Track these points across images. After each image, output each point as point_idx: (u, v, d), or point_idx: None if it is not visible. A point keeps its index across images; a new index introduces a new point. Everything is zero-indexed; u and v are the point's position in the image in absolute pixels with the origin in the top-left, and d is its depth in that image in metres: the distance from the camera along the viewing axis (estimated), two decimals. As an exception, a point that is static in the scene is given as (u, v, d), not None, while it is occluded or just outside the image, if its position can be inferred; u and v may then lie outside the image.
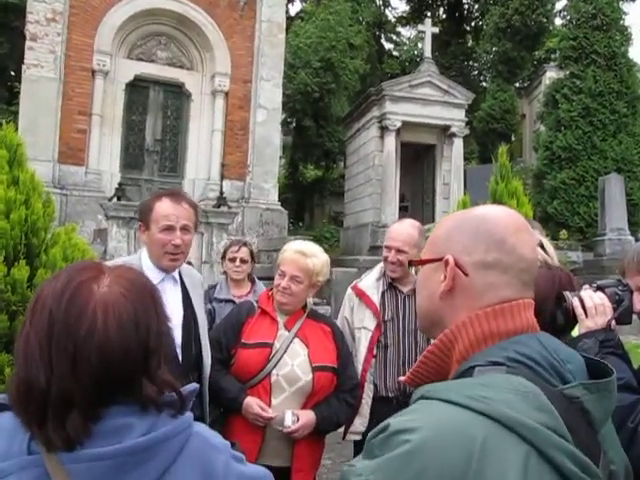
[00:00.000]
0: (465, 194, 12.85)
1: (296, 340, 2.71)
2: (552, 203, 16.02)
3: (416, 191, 16.67)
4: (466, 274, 1.03)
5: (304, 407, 2.66)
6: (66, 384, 0.97)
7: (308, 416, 2.61)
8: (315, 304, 7.93)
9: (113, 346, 0.98)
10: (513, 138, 25.86)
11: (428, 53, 15.17)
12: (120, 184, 10.07)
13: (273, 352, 2.65)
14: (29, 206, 3.16)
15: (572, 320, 1.77)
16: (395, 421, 0.88)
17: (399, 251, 3.07)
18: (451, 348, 1.02)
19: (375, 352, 3.09)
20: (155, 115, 12.38)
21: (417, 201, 16.60)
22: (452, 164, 15.06)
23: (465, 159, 15.69)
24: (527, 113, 25.27)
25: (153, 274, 2.40)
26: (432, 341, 1.08)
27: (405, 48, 31.75)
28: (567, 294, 1.78)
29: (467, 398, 0.86)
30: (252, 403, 2.58)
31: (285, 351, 2.67)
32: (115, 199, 9.13)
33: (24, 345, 1.01)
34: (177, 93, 12.57)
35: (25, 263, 3.00)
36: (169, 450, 1.01)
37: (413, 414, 0.90)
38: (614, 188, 13.43)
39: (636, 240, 14.62)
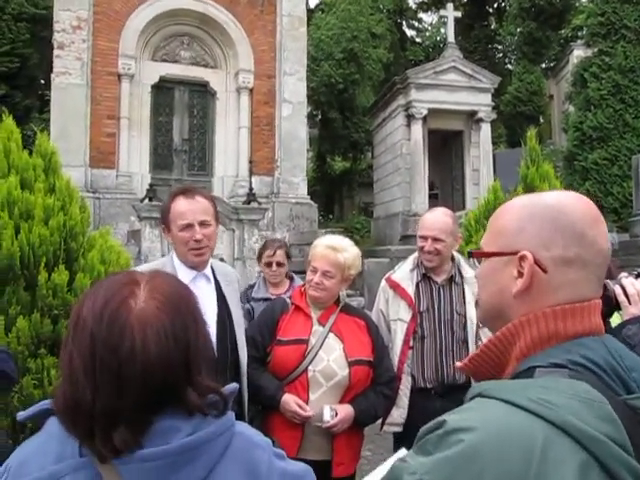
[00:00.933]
0: (495, 179, 12.70)
1: (331, 335, 2.73)
2: (584, 185, 15.70)
3: (445, 178, 16.53)
4: (545, 271, 0.97)
5: (342, 401, 2.68)
6: (112, 402, 0.99)
7: (346, 410, 2.63)
8: (348, 296, 7.95)
9: (154, 362, 1.00)
10: (541, 120, 25.47)
11: (451, 38, 14.99)
12: (151, 185, 10.19)
13: (309, 348, 2.67)
14: (66, 212, 3.25)
15: (615, 308, 1.78)
16: (451, 418, 0.86)
17: (435, 240, 3.05)
18: (512, 343, 0.99)
19: (412, 344, 3.08)
20: (181, 115, 12.50)
21: (447, 188, 16.46)
22: (480, 149, 14.89)
23: (493, 143, 15.48)
24: (555, 94, 24.83)
25: (185, 273, 2.47)
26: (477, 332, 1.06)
27: (427, 34, 31.47)
28: (608, 282, 1.78)
29: (528, 400, 0.84)
30: (290, 401, 2.60)
31: (320, 347, 2.68)
32: (147, 200, 9.25)
33: (68, 363, 1.04)
34: (202, 92, 12.65)
35: (64, 268, 3.09)
36: (214, 449, 1.04)
37: (470, 412, 0.88)
38: (648, 166, 13.13)
39: (673, 218, 14.30)
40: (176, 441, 1.00)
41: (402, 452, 2.17)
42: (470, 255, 1.30)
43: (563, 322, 0.95)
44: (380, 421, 3.11)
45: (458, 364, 1.13)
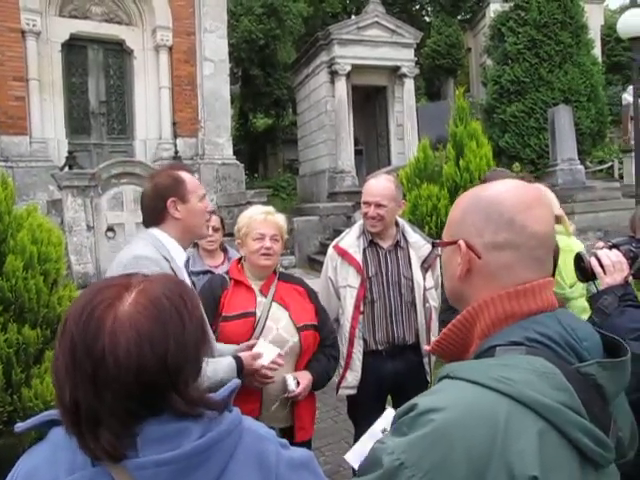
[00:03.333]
0: (419, 137, 12.86)
1: (274, 304, 2.75)
2: (503, 137, 16.16)
3: (370, 134, 16.62)
4: (479, 256, 1.07)
5: (297, 368, 2.73)
6: (90, 403, 0.99)
7: (307, 377, 2.70)
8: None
9: (126, 365, 0.99)
10: (459, 72, 25.89)
11: (373, -8, 14.88)
12: (70, 152, 9.71)
13: (256, 320, 2.68)
14: (-17, 189, 3.04)
15: (591, 278, 1.88)
16: (422, 400, 0.93)
17: (378, 205, 3.14)
18: (473, 324, 1.06)
19: (362, 308, 3.16)
20: (97, 76, 11.85)
21: (372, 144, 16.58)
22: (404, 105, 15.03)
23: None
24: (472, 47, 25.20)
25: (179, 254, 2.37)
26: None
27: (345, -15, 31.03)
28: (584, 254, 1.90)
29: (490, 379, 0.91)
30: (249, 359, 2.49)
31: (267, 317, 2.70)
32: (67, 168, 8.82)
33: (55, 366, 1.05)
34: (118, 51, 12.02)
35: (-8, 250, 2.91)
36: (226, 448, 1.06)
37: (439, 394, 0.95)
38: (563, 119, 13.60)
39: (586, 169, 15.00)
40: (188, 443, 1.01)
41: (390, 412, 2.25)
42: (433, 246, 1.44)
43: (517, 302, 1.03)
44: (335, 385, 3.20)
45: (426, 347, 1.23)
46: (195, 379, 1.09)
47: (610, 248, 1.87)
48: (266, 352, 2.51)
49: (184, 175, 2.41)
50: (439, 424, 0.87)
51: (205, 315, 2.64)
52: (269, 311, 2.72)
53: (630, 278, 1.84)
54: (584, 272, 1.89)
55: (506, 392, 0.89)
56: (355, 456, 2.16)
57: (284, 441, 1.20)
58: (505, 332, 1.02)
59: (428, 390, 0.99)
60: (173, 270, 2.20)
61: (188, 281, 2.38)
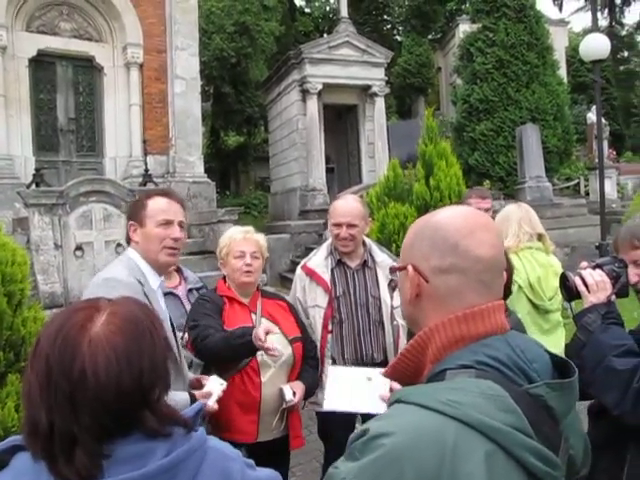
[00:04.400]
0: (390, 155, 12.97)
1: (264, 320, 2.87)
2: (473, 155, 16.43)
3: (341, 152, 16.72)
4: (427, 280, 1.09)
5: (290, 379, 2.87)
6: (67, 423, 1.01)
7: (300, 386, 2.84)
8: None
9: (105, 386, 1.02)
10: (429, 91, 26.28)
11: (344, 13, 15.05)
12: (37, 169, 9.56)
13: None
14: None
15: (575, 297, 1.94)
16: (373, 425, 0.94)
17: (350, 225, 3.16)
18: (425, 349, 1.08)
19: (330, 328, 3.18)
20: (66, 92, 11.70)
21: (343, 162, 16.67)
22: (375, 123, 15.17)
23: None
24: (442, 66, 25.64)
25: (153, 277, 2.37)
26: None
27: (317, 4, 31.36)
28: (569, 274, 1.96)
29: (438, 402, 0.93)
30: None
31: None
32: (34, 185, 8.67)
33: (27, 388, 1.06)
34: (87, 67, 11.90)
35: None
36: (191, 466, 1.09)
37: (389, 419, 0.96)
38: (530, 137, 13.88)
39: (553, 186, 15.28)
40: (153, 463, 1.04)
41: (375, 372, 2.32)
42: (391, 271, 1.47)
43: (466, 326, 1.05)
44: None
45: (381, 371, 1.25)
46: (165, 395, 1.13)
47: (594, 268, 1.93)
48: (214, 389, 2.49)
49: (153, 200, 2.40)
50: (389, 448, 0.88)
51: (214, 318, 2.77)
52: (260, 326, 2.77)
53: (613, 297, 1.90)
54: (569, 291, 1.95)
55: (453, 415, 0.90)
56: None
57: (250, 461, 1.23)
58: (455, 356, 1.04)
59: (380, 415, 1.00)
60: (146, 294, 2.20)
61: (162, 304, 2.39)
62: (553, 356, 1.11)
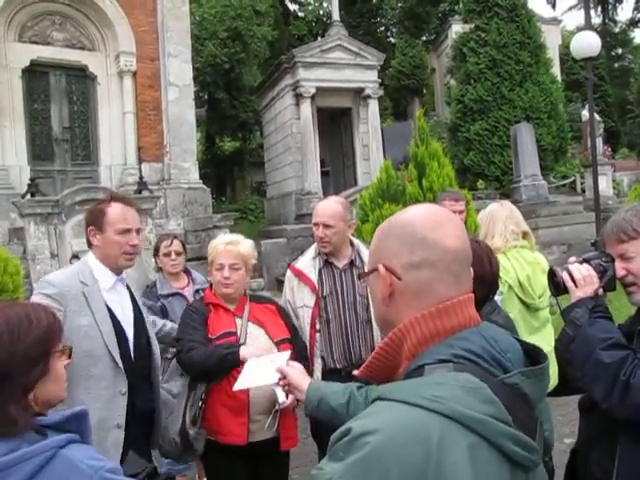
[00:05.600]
0: (385, 157, 12.97)
1: (250, 324, 2.94)
2: (468, 155, 16.46)
3: (336, 155, 16.74)
4: (399, 277, 1.10)
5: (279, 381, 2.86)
6: None
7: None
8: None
9: None
10: (424, 92, 26.33)
11: (336, 16, 15.09)
12: (32, 179, 9.56)
13: (238, 339, 2.86)
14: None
15: (563, 291, 1.96)
16: (356, 424, 0.94)
17: (326, 226, 3.22)
18: (400, 346, 1.09)
19: (319, 327, 3.24)
20: (59, 102, 11.71)
21: (338, 165, 16.69)
22: (369, 125, 15.18)
23: (380, 116, 15.86)
24: (436, 67, 25.69)
25: (107, 277, 2.59)
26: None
27: (310, 8, 31.41)
28: (557, 269, 1.98)
29: (421, 398, 0.93)
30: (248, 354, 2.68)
31: (246, 336, 2.89)
32: (29, 195, 8.68)
33: None
34: (81, 77, 11.90)
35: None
36: (24, 470, 1.10)
37: (372, 416, 0.96)
38: (525, 136, 13.93)
39: (549, 184, 15.30)
40: None
41: (279, 355, 2.36)
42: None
43: (440, 320, 1.07)
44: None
45: (355, 372, 1.24)
46: (20, 397, 1.17)
47: (581, 263, 1.95)
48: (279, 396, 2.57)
49: (112, 207, 2.59)
50: (374, 446, 0.88)
51: (199, 329, 2.86)
52: (247, 330, 2.90)
53: (600, 291, 1.91)
54: (557, 286, 1.97)
55: (437, 410, 0.91)
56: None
57: (112, 477, 1.21)
58: (432, 351, 1.05)
59: (361, 413, 1.00)
60: (84, 293, 2.44)
61: (101, 302, 2.51)
62: (523, 344, 1.15)
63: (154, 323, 3.53)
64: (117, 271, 2.63)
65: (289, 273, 3.40)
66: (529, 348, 1.15)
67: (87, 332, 2.38)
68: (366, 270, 1.22)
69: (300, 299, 3.28)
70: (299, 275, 3.32)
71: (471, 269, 1.16)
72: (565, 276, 1.93)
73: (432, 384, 0.96)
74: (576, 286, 1.90)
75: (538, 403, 1.08)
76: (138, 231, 2.64)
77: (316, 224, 3.26)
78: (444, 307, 1.07)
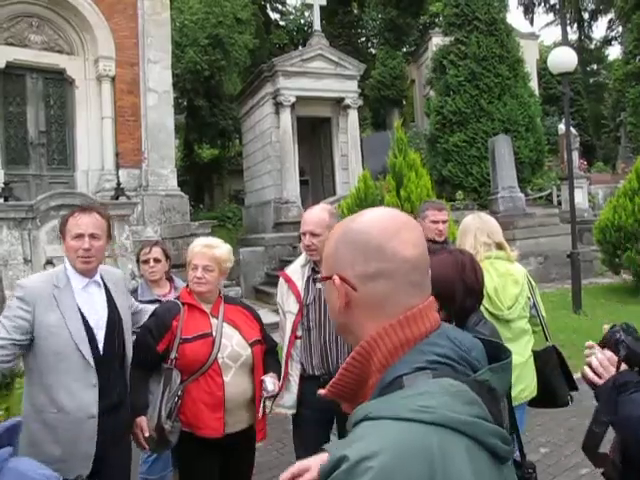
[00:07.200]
0: (364, 167, 13.02)
1: (225, 324, 3.08)
2: (446, 166, 16.60)
3: (315, 164, 16.77)
4: (354, 289, 1.06)
5: (256, 377, 3.08)
6: None
7: (275, 377, 3.09)
8: (225, 286, 7.83)
9: None
10: (404, 103, 26.53)
11: (317, 26, 15.14)
12: (6, 183, 9.41)
13: (214, 340, 3.00)
14: None
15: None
16: (351, 450, 0.88)
17: (312, 235, 3.24)
18: (369, 359, 1.05)
19: (300, 334, 3.31)
20: (36, 105, 11.55)
21: (317, 174, 16.72)
22: (348, 135, 15.25)
23: (359, 126, 15.93)
24: (416, 78, 25.89)
25: (78, 279, 2.80)
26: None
27: (292, 17, 31.55)
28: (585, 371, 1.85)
29: (411, 411, 0.90)
30: (141, 424, 2.93)
31: (221, 336, 3.04)
32: (2, 200, 8.54)
33: None
34: (58, 80, 11.75)
35: None
36: None
37: (367, 439, 0.90)
38: (503, 148, 14.07)
39: (526, 196, 15.47)
40: None
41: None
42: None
43: (409, 329, 1.04)
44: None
45: (321, 391, 1.17)
46: None
47: (603, 347, 1.84)
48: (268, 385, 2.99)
49: (72, 216, 2.80)
50: (378, 470, 0.83)
51: (153, 337, 3.02)
52: (222, 331, 3.04)
53: (622, 365, 1.78)
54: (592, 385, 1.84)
55: (430, 420, 0.89)
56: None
57: None
58: (405, 360, 1.02)
59: (350, 438, 0.94)
60: (54, 294, 2.68)
61: (72, 303, 2.73)
62: (483, 341, 1.15)
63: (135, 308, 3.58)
64: (86, 274, 2.82)
65: (280, 278, 3.48)
66: (490, 344, 1.15)
67: (55, 330, 2.63)
68: (322, 274, 1.16)
69: (287, 304, 3.36)
70: (288, 281, 3.39)
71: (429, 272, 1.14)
72: (589, 373, 1.82)
73: (418, 395, 0.93)
74: (599, 377, 1.79)
75: (503, 396, 1.09)
76: (94, 236, 2.78)
77: (304, 233, 3.30)
78: (412, 315, 1.04)
